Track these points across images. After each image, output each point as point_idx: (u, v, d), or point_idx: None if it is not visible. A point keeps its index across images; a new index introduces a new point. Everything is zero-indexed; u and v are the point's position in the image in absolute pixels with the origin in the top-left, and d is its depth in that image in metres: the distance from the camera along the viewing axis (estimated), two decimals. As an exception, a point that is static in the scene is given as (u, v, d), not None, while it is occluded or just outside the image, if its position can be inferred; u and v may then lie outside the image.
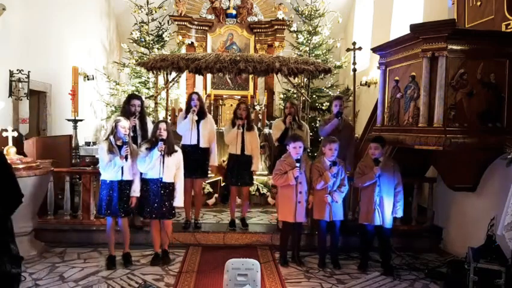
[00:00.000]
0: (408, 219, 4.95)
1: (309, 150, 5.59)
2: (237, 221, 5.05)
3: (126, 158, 3.84)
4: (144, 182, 4.08)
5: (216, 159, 5.18)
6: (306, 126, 5.13)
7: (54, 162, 4.85)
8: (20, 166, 4.14)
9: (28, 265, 4.06)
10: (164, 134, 3.96)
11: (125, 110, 4.59)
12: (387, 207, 4.07)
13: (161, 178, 4.00)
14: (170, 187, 4.08)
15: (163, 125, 3.99)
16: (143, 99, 5.19)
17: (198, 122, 4.82)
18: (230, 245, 4.74)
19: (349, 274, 4.06)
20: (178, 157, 4.14)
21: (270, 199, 6.31)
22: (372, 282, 3.87)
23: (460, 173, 4.20)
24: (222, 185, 6.38)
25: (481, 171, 4.14)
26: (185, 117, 4.82)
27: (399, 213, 4.13)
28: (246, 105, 5.06)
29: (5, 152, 4.21)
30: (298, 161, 4.02)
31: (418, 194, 5.00)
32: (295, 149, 4.07)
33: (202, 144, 4.84)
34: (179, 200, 4.15)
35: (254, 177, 5.15)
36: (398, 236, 4.72)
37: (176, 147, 4.16)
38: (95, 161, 6.31)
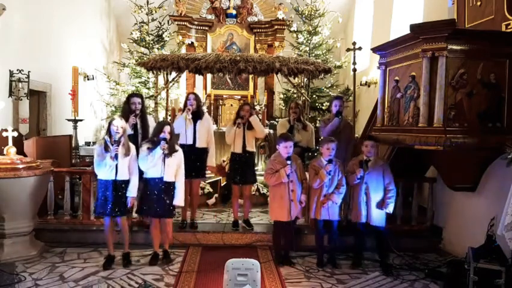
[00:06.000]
0: (408, 219, 4.95)
1: (313, 149, 5.54)
2: (240, 221, 5.05)
3: (116, 157, 3.84)
4: (145, 181, 4.09)
5: (214, 159, 5.17)
6: (311, 127, 5.14)
7: (54, 162, 4.85)
8: (20, 166, 4.14)
9: (28, 265, 4.06)
10: (168, 136, 3.98)
11: (126, 109, 4.59)
12: (374, 205, 4.11)
13: (163, 177, 4.01)
14: (170, 186, 4.09)
15: (167, 128, 4.00)
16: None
17: (194, 122, 4.81)
18: (230, 245, 4.74)
19: (349, 274, 4.06)
20: (178, 156, 4.15)
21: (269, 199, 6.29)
22: (372, 282, 3.87)
23: (460, 173, 4.19)
24: (222, 185, 6.38)
25: (481, 171, 4.14)
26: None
27: (389, 209, 4.12)
28: (250, 106, 5.05)
29: (5, 152, 4.23)
30: (288, 158, 4.06)
31: (418, 194, 5.00)
32: (285, 148, 4.10)
33: (199, 144, 4.84)
34: (180, 199, 4.16)
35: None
36: (398, 236, 4.72)
37: (177, 147, 4.17)
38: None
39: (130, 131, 4.46)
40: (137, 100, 4.60)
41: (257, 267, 2.81)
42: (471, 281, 3.31)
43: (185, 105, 4.87)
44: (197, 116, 4.84)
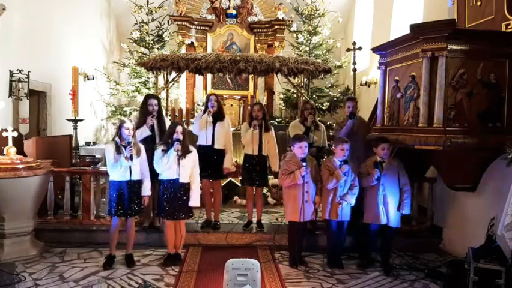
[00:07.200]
0: (408, 219, 4.94)
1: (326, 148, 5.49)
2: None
3: (131, 158, 3.86)
4: (160, 182, 4.08)
5: (230, 162, 5.15)
6: (323, 126, 5.14)
7: (54, 162, 4.86)
8: (20, 166, 4.14)
9: (28, 265, 4.06)
10: (181, 137, 3.97)
11: (143, 110, 4.59)
12: (391, 206, 4.08)
13: (178, 178, 4.00)
14: (186, 187, 4.08)
15: (179, 128, 3.99)
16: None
17: (214, 123, 4.80)
18: (230, 245, 4.74)
19: (349, 274, 4.06)
20: (193, 157, 4.12)
21: (270, 199, 6.30)
22: (372, 282, 3.87)
23: (460, 173, 4.19)
24: (221, 184, 6.36)
25: (481, 171, 4.14)
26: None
27: (406, 210, 4.09)
28: (261, 105, 5.02)
29: (5, 152, 4.23)
30: (304, 160, 4.03)
31: (418, 194, 4.99)
32: (300, 149, 4.06)
33: (217, 146, 4.83)
34: (195, 200, 4.13)
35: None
36: (398, 235, 4.71)
37: (191, 148, 4.15)
38: (95, 161, 6.33)
39: (148, 133, 4.48)
40: (154, 102, 4.61)
41: (257, 267, 2.82)
42: (471, 281, 3.31)
43: (205, 106, 4.84)
44: (217, 117, 4.82)
